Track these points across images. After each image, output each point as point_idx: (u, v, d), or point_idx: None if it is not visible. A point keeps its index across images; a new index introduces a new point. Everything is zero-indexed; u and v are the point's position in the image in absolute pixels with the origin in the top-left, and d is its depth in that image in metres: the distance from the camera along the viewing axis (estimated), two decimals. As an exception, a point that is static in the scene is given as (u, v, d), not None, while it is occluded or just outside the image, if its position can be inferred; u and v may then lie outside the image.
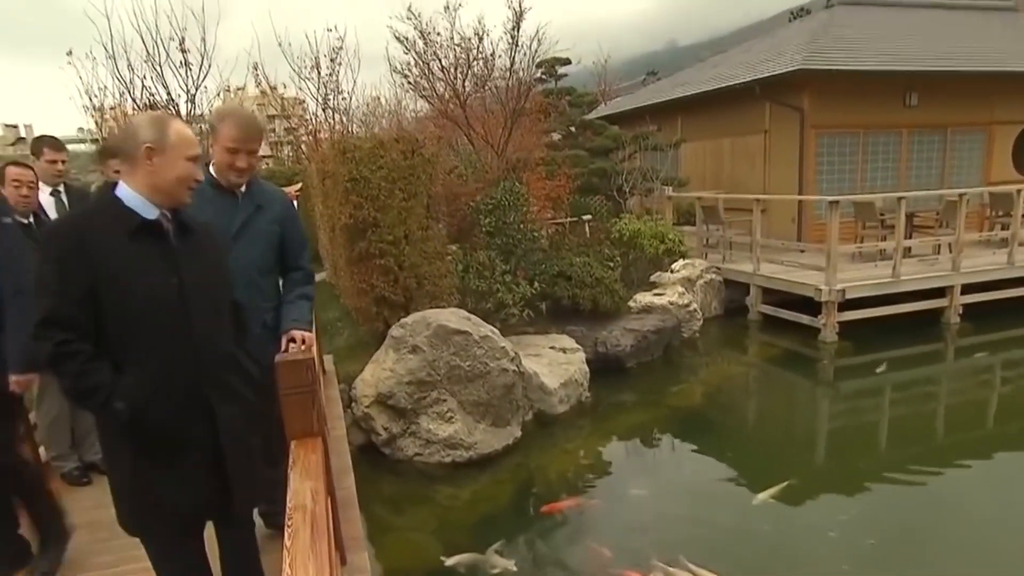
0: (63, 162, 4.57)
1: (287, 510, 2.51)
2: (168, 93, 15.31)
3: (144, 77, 14.95)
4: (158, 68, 15.10)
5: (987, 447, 6.73)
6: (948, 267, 10.38)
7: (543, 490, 6.02)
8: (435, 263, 7.18)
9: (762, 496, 5.53)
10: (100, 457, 4.07)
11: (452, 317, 6.52)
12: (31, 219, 4.06)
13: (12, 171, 3.99)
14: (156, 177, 2.17)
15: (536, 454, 6.62)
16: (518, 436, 6.71)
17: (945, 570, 4.65)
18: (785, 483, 5.65)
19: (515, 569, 4.65)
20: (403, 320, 6.56)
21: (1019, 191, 10.73)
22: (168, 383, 2.17)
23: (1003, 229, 11.46)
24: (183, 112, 15.53)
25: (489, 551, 4.84)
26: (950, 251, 10.53)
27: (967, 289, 10.35)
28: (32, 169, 4.16)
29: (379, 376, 6.43)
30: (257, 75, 15.34)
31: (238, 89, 17.28)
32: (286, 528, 2.41)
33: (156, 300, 2.14)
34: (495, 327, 6.89)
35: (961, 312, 10.33)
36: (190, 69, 15.59)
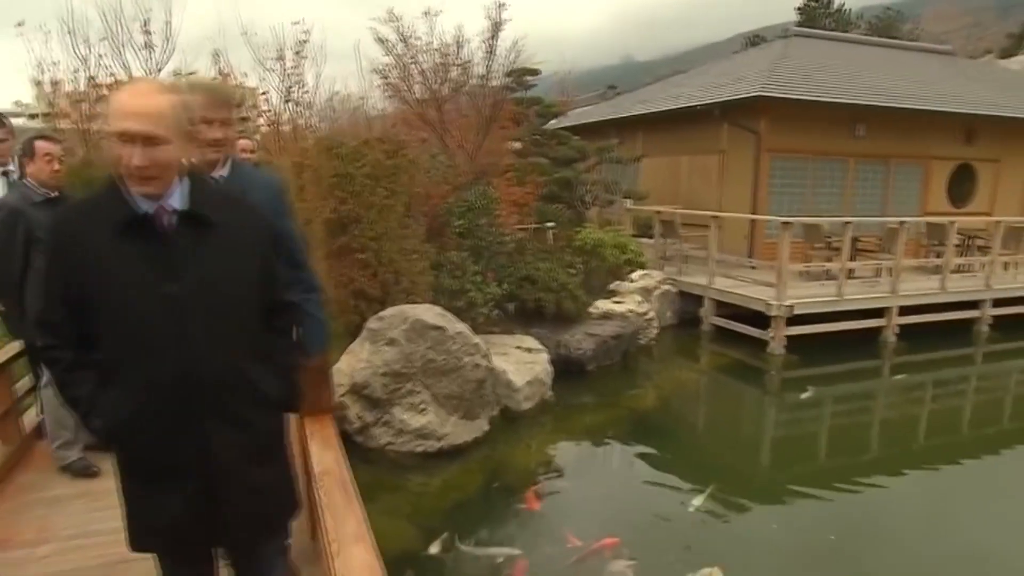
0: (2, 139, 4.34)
1: (315, 476, 2.77)
2: (129, 74, 15.16)
3: (102, 56, 14.76)
4: (118, 48, 14.94)
5: (914, 459, 7.28)
6: (887, 289, 11.06)
7: (510, 480, 6.32)
8: (412, 260, 7.42)
9: (696, 501, 5.86)
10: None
11: (428, 312, 6.77)
12: (57, 194, 4.02)
13: (42, 145, 3.95)
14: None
15: (502, 447, 6.92)
16: (486, 429, 6.99)
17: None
18: (710, 488, 6.03)
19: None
20: (381, 313, 6.77)
21: (952, 223, 11.54)
22: (154, 403, 1.87)
23: (937, 257, 12.22)
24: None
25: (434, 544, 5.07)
26: (890, 275, 11.21)
27: (904, 311, 11.05)
28: (60, 142, 4.17)
29: (355, 367, 6.63)
30: (219, 61, 15.32)
31: (188, 73, 17.15)
32: (316, 492, 2.67)
33: (139, 309, 1.84)
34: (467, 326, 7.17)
35: (898, 332, 11.01)
36: (153, 51, 15.47)
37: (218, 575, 2.26)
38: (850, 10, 44.02)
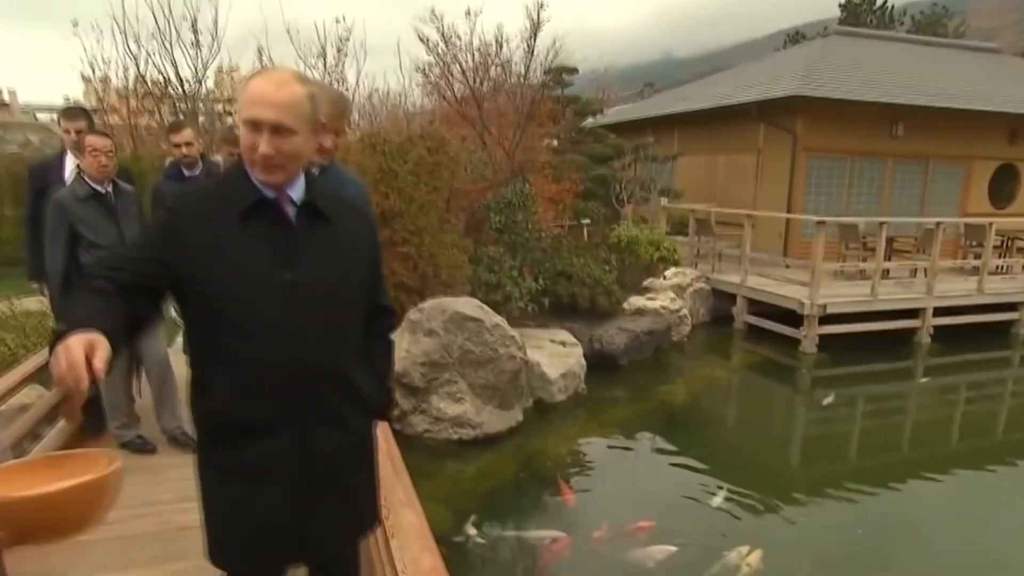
0: (76, 131, 4.44)
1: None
2: (176, 71, 15.66)
3: (152, 54, 15.27)
4: (167, 46, 15.44)
5: (944, 462, 7.26)
6: (923, 290, 11.05)
7: (542, 469, 6.54)
8: (451, 254, 7.67)
9: (721, 495, 6.01)
10: (181, 429, 4.45)
11: (467, 305, 7.01)
12: (109, 188, 4.14)
13: (91, 140, 4.04)
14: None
15: (536, 437, 7.14)
16: (520, 419, 7.22)
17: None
18: (728, 485, 6.17)
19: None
20: (420, 305, 7.03)
21: (991, 224, 11.47)
22: (258, 391, 1.80)
23: (976, 258, 12.15)
24: (187, 91, 15.84)
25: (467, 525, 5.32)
26: (925, 275, 11.20)
27: (939, 312, 11.02)
28: (111, 137, 4.19)
29: (395, 356, 6.89)
30: (262, 59, 15.73)
31: (232, 70, 17.64)
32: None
33: (257, 292, 1.78)
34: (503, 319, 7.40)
35: (932, 333, 10.99)
36: (200, 50, 15.95)
37: None
38: (893, 6, 43.26)
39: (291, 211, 1.83)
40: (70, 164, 4.53)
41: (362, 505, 2.11)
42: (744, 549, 4.95)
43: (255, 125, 1.73)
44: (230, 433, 1.82)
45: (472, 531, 5.27)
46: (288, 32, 12.73)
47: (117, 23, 15.08)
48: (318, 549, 1.98)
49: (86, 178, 4.08)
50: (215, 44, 15.49)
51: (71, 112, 4.72)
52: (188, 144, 4.84)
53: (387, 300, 2.28)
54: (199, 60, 15.47)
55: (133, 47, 15.17)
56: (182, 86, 15.53)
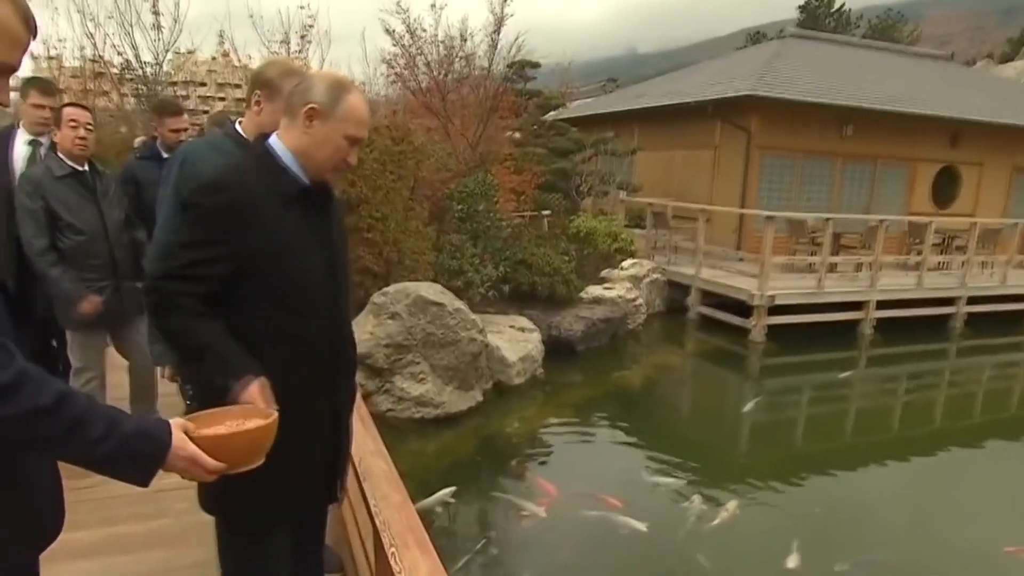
0: (51, 108, 4.05)
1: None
2: (136, 54, 15.49)
3: (111, 34, 15.06)
4: (127, 27, 15.27)
5: (888, 448, 7.68)
6: (866, 284, 11.59)
7: (501, 445, 6.84)
8: (415, 240, 7.90)
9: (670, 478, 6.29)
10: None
11: (429, 290, 7.25)
12: (86, 166, 3.77)
13: (68, 111, 3.73)
14: (310, 143, 1.94)
15: (495, 417, 7.42)
16: (480, 400, 7.49)
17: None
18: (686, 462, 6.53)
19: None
20: (385, 289, 7.25)
21: (930, 223, 12.07)
22: (306, 365, 1.99)
23: (917, 255, 12.75)
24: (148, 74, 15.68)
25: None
26: (869, 270, 11.74)
27: (881, 305, 11.57)
28: (89, 110, 3.90)
29: (359, 338, 7.06)
30: (223, 43, 15.63)
31: (189, 52, 17.46)
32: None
33: (310, 273, 1.97)
34: (464, 304, 7.66)
35: (875, 325, 11.54)
36: (161, 32, 15.79)
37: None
38: (850, 10, 44.40)
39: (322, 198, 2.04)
40: (21, 142, 4.10)
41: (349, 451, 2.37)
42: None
43: (357, 141, 1.97)
44: (283, 401, 1.87)
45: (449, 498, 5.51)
46: (251, 17, 12.72)
47: (74, 2, 14.88)
48: (337, 494, 2.26)
49: (61, 155, 3.71)
50: (176, 27, 15.37)
51: (46, 85, 4.32)
52: (186, 130, 4.67)
53: None
54: (160, 43, 15.34)
55: (90, 26, 14.96)
56: (143, 68, 15.38)
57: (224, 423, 1.59)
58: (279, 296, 1.93)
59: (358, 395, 3.27)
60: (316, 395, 2.04)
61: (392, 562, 1.98)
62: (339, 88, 1.93)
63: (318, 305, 1.99)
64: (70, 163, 3.71)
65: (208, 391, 1.86)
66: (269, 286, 1.91)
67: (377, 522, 2.21)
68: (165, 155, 4.47)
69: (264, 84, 2.57)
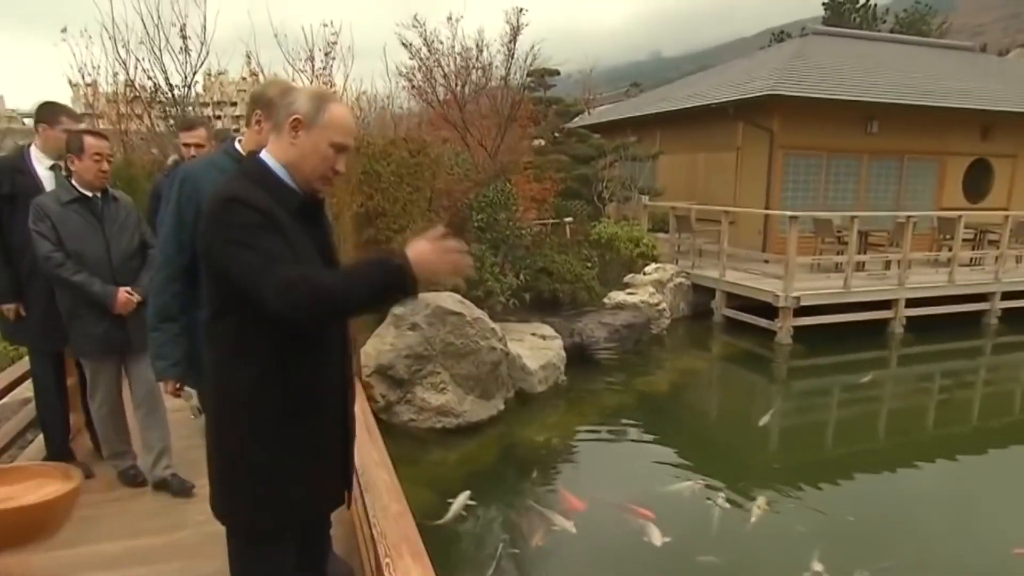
0: (67, 132, 3.96)
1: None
2: (166, 77, 15.84)
3: (142, 59, 15.44)
4: (157, 52, 15.62)
5: (924, 449, 7.50)
6: (895, 282, 11.39)
7: (523, 454, 6.85)
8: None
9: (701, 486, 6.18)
10: (171, 472, 3.99)
11: (449, 300, 7.30)
12: (97, 193, 3.77)
13: (94, 143, 3.68)
14: (297, 154, 1.99)
15: (517, 426, 7.44)
16: (501, 409, 7.52)
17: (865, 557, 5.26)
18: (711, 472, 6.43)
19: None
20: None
21: (960, 217, 11.84)
22: (327, 367, 2.11)
23: (948, 251, 12.51)
24: (177, 96, 16.02)
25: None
26: (898, 268, 11.55)
27: (911, 303, 11.37)
28: (108, 140, 3.87)
29: (380, 349, 7.18)
30: (250, 63, 15.93)
31: (219, 73, 17.82)
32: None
33: None
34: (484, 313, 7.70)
35: (905, 323, 11.34)
36: (189, 55, 16.13)
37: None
38: (876, 5, 43.76)
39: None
40: (42, 166, 4.04)
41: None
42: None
43: (343, 149, 2.02)
44: (306, 405, 2.06)
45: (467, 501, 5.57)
46: (276, 36, 12.93)
47: (106, 29, 15.28)
48: (344, 498, 2.30)
49: (75, 183, 3.69)
50: (204, 49, 15.71)
51: (71, 111, 4.22)
52: (199, 145, 4.48)
53: None
54: (188, 65, 15.69)
55: (122, 53, 15.36)
56: (171, 91, 15.74)
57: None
58: None
59: (361, 410, 3.35)
60: (332, 399, 2.14)
61: (386, 572, 2.02)
62: (321, 99, 1.99)
63: None
64: (80, 189, 3.69)
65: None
66: None
67: (375, 532, 2.26)
68: None
69: (265, 104, 2.66)
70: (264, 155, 2.03)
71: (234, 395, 2.03)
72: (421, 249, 1.81)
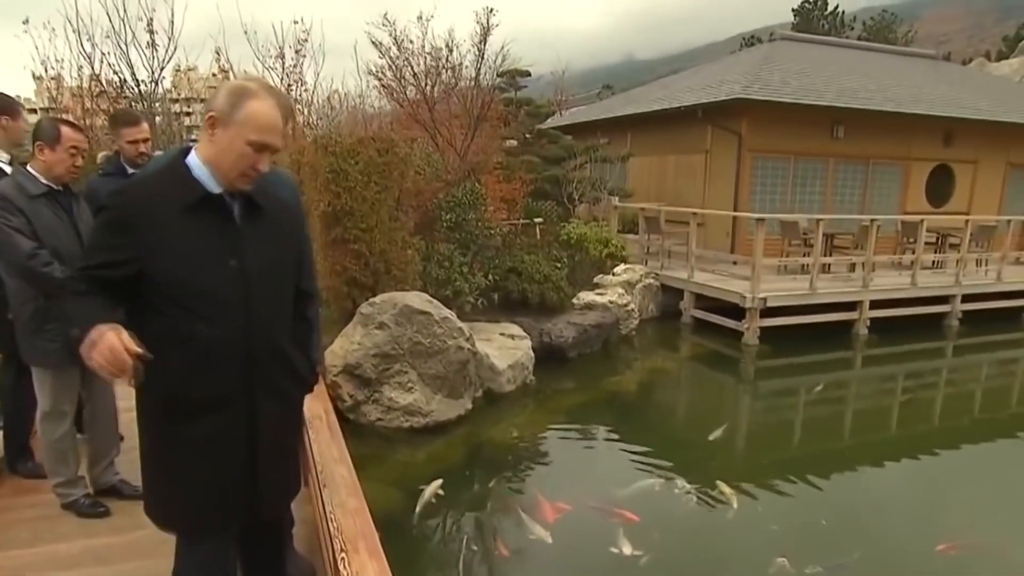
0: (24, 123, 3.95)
1: (306, 420, 3.29)
2: (132, 72, 15.60)
3: (107, 53, 15.19)
4: (123, 46, 15.38)
5: (888, 448, 7.62)
6: (859, 284, 11.58)
7: (490, 453, 6.85)
8: (401, 250, 7.93)
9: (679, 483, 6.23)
10: (119, 479, 3.85)
11: (416, 299, 7.28)
12: (62, 186, 3.51)
13: (70, 134, 3.46)
14: (215, 151, 1.99)
15: (485, 425, 7.43)
16: (469, 408, 7.50)
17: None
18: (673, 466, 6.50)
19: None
20: (372, 300, 7.28)
21: (922, 221, 12.09)
22: (210, 372, 2.02)
23: (911, 254, 12.76)
24: (144, 91, 15.80)
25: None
26: (863, 270, 11.74)
27: (875, 305, 11.57)
28: (84, 132, 3.68)
29: (347, 348, 7.14)
30: (220, 60, 15.75)
31: (189, 69, 17.60)
32: (308, 432, 3.19)
33: (208, 280, 1.99)
34: (452, 312, 7.69)
35: (869, 325, 11.54)
36: (156, 50, 15.91)
37: (229, 556, 2.31)
38: (843, 12, 44.49)
39: (234, 205, 2.07)
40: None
41: (296, 468, 2.42)
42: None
43: (264, 148, 1.99)
44: (186, 408, 2.02)
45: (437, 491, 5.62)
46: (246, 33, 12.81)
47: (70, 22, 15.01)
48: (263, 509, 2.23)
49: (36, 172, 3.42)
50: (171, 44, 15.50)
51: (15, 104, 4.02)
52: (146, 140, 4.30)
53: (312, 286, 2.56)
54: (155, 60, 15.46)
55: (87, 47, 15.10)
56: (138, 86, 15.50)
57: None
58: (178, 299, 1.96)
59: (324, 410, 3.34)
60: (226, 404, 2.06)
61: (342, 567, 2.01)
62: (239, 95, 1.97)
63: (225, 311, 2.01)
64: (45, 181, 3.41)
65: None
66: (168, 289, 1.96)
67: (331, 528, 2.25)
68: (131, 170, 4.26)
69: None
70: (192, 150, 2.04)
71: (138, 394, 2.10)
72: (97, 339, 1.77)
